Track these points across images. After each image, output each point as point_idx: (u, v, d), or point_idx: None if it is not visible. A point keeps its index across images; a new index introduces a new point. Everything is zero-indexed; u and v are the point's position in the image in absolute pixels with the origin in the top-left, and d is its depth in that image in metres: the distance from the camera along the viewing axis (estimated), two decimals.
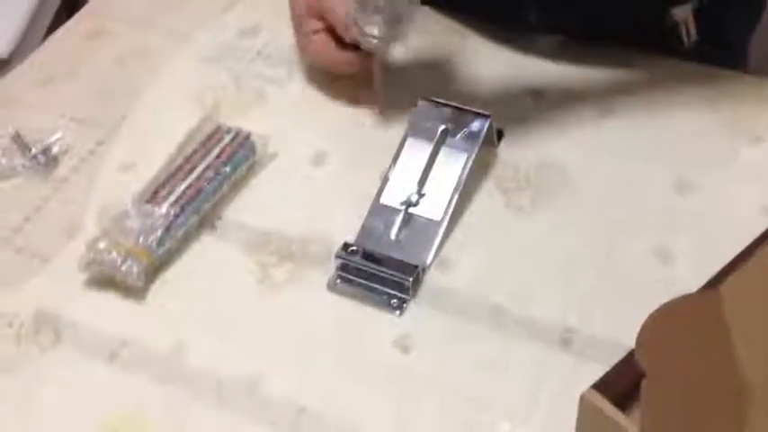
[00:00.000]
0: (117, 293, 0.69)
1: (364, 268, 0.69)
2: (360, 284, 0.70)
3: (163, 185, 0.74)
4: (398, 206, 0.73)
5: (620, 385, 0.55)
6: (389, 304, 0.68)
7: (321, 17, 0.78)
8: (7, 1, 1.54)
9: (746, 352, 0.50)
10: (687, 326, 0.52)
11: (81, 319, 0.68)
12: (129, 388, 0.64)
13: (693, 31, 0.83)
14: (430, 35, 0.90)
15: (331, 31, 0.78)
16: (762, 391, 0.49)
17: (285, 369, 0.65)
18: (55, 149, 0.81)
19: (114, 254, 0.68)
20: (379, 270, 0.69)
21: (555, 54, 0.86)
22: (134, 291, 0.69)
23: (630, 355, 0.53)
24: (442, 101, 0.77)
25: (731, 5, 0.87)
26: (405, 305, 0.68)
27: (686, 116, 0.80)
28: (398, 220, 0.72)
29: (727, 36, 0.90)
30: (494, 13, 0.89)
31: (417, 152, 0.75)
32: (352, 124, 0.82)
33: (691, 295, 0.54)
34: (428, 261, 0.71)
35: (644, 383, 0.52)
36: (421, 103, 0.77)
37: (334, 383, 0.64)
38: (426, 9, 0.93)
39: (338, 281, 0.70)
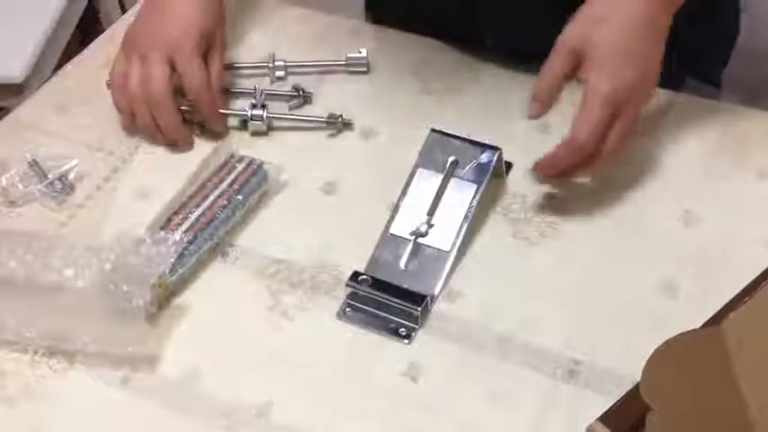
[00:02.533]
0: (130, 318, 0.70)
1: (374, 297, 0.70)
2: (369, 313, 0.71)
3: (176, 213, 0.75)
4: (408, 236, 0.74)
5: (626, 418, 0.56)
6: (398, 333, 0.69)
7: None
8: (22, 26, 1.56)
9: (749, 386, 0.50)
10: (691, 361, 0.53)
11: (93, 341, 0.69)
12: (141, 413, 0.65)
13: None
14: (440, 68, 0.91)
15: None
16: (764, 426, 0.49)
17: (295, 396, 0.66)
18: (71, 176, 0.82)
19: (126, 280, 0.69)
20: (389, 299, 0.70)
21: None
22: (147, 317, 0.70)
23: (636, 388, 0.54)
24: (452, 133, 0.78)
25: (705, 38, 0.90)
26: (413, 334, 0.69)
27: (692, 150, 0.82)
28: (408, 249, 0.73)
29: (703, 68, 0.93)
30: (453, 35, 0.92)
31: (427, 183, 0.76)
32: (363, 154, 0.84)
33: (695, 331, 0.55)
34: (437, 291, 0.72)
35: (649, 417, 0.53)
36: (431, 134, 0.78)
37: (344, 411, 0.65)
38: (437, 43, 0.95)
39: (348, 309, 0.71)
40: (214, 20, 0.85)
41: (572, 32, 0.72)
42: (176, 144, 0.84)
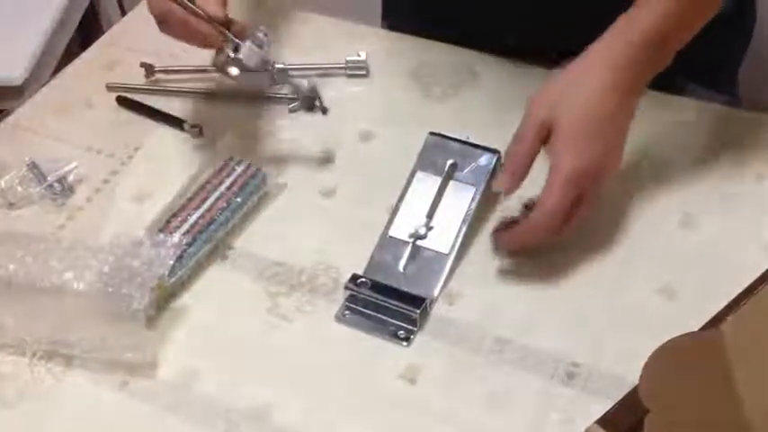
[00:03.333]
0: (128, 322, 0.70)
1: (372, 300, 0.70)
2: (368, 316, 0.71)
3: (175, 215, 0.75)
4: (407, 239, 0.74)
5: (624, 421, 0.56)
6: (397, 336, 0.69)
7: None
8: (22, 28, 1.56)
9: (748, 389, 0.50)
10: (690, 363, 0.53)
11: (92, 344, 0.69)
12: (140, 416, 0.65)
13: None
14: (439, 71, 0.92)
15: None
16: (763, 429, 0.49)
17: (293, 398, 0.66)
18: (70, 178, 0.82)
19: (125, 282, 0.69)
20: (387, 302, 0.70)
21: None
22: (144, 317, 0.70)
23: (634, 390, 0.54)
24: (451, 135, 0.78)
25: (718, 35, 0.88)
26: (412, 337, 0.69)
27: (691, 152, 0.82)
28: (407, 252, 0.73)
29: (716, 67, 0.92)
30: (473, 36, 0.92)
31: (426, 186, 0.76)
32: (362, 157, 0.84)
33: (693, 333, 0.55)
34: (435, 293, 0.72)
35: (647, 419, 0.53)
36: (429, 137, 0.79)
37: (342, 413, 0.65)
38: (436, 46, 0.95)
39: (347, 312, 0.71)
40: None
41: (541, 102, 0.71)
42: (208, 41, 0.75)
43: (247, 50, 0.74)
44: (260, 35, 0.75)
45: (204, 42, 0.75)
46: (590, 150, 0.69)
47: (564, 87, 0.71)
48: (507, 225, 0.75)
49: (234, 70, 0.74)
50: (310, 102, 0.80)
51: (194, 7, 0.72)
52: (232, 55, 0.74)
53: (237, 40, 0.74)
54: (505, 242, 0.74)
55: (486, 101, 0.88)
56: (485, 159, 0.77)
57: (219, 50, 0.75)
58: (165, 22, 0.74)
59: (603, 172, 0.70)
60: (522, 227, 0.71)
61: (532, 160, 0.71)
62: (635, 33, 0.70)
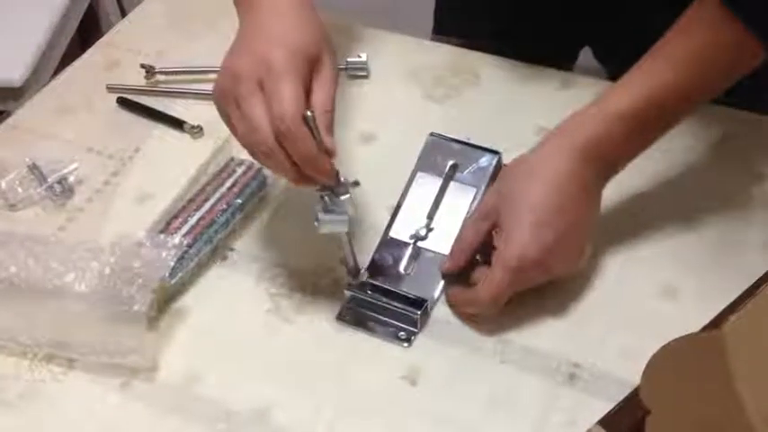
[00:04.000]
0: (130, 323, 0.70)
1: (373, 301, 0.70)
2: (369, 317, 0.71)
3: (176, 216, 0.75)
4: (408, 240, 0.74)
5: (626, 422, 0.56)
6: (398, 337, 0.69)
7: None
8: (22, 30, 1.56)
9: (749, 390, 0.50)
10: (691, 364, 0.53)
11: (93, 346, 0.69)
12: (140, 417, 0.65)
13: None
14: (440, 72, 0.92)
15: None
16: (764, 429, 0.49)
17: (294, 399, 0.66)
18: (71, 180, 0.82)
19: (126, 283, 0.69)
20: (388, 303, 0.70)
21: (559, 90, 0.88)
22: (146, 319, 0.70)
23: (636, 391, 0.54)
24: (451, 136, 0.78)
25: None
26: (413, 338, 0.69)
27: (692, 153, 0.82)
28: (407, 253, 0.73)
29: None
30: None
31: (426, 187, 0.76)
32: (362, 158, 0.84)
33: (694, 334, 0.55)
34: (436, 294, 0.72)
35: (648, 420, 0.53)
36: (430, 138, 0.79)
37: (343, 415, 0.65)
38: (437, 47, 0.95)
39: (347, 313, 0.71)
40: (314, 38, 0.66)
41: (496, 187, 0.71)
42: (324, 175, 0.64)
43: (326, 222, 0.66)
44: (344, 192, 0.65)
45: (311, 181, 0.65)
46: (537, 240, 0.66)
47: (519, 175, 0.69)
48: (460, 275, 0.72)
49: (323, 227, 0.67)
50: None
51: (323, 137, 0.62)
52: (321, 215, 0.66)
53: (339, 197, 0.65)
54: (451, 298, 0.71)
55: (486, 102, 0.88)
56: (485, 160, 0.77)
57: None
58: (275, 150, 0.62)
59: (553, 264, 0.67)
60: (465, 295, 0.69)
61: (476, 245, 0.70)
62: (593, 126, 0.67)
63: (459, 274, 0.71)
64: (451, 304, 0.71)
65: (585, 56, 1.03)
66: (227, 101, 0.65)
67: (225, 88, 0.64)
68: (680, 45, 0.66)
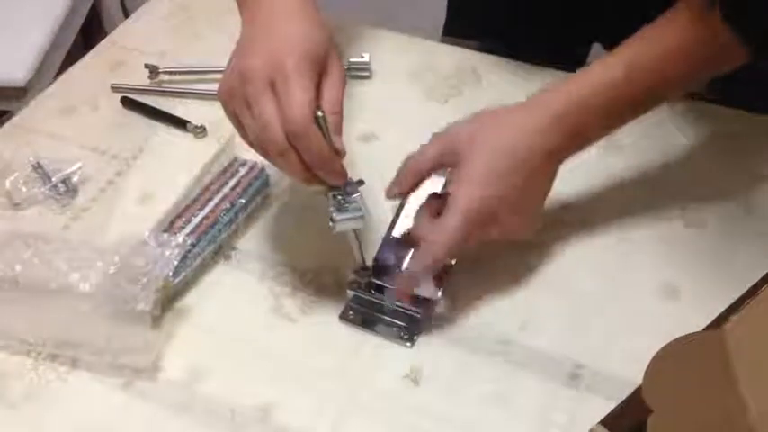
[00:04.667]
0: (134, 323, 0.70)
1: (376, 301, 0.71)
2: (372, 316, 0.71)
3: (179, 216, 0.75)
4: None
5: (627, 421, 0.56)
6: (401, 336, 0.69)
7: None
8: (26, 30, 1.57)
9: (751, 389, 0.50)
10: (692, 364, 0.53)
11: (97, 345, 0.69)
12: (144, 416, 0.66)
13: None
14: (442, 72, 0.92)
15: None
16: (766, 429, 0.49)
17: (297, 398, 0.66)
18: (75, 179, 0.82)
19: (130, 283, 0.69)
20: (391, 303, 0.70)
21: None
22: (150, 318, 0.70)
23: (637, 391, 0.54)
24: None
25: None
26: (416, 337, 0.69)
27: (694, 154, 0.82)
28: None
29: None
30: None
31: (429, 186, 0.76)
32: (364, 158, 0.84)
33: (696, 334, 0.55)
34: (439, 294, 0.72)
35: (650, 420, 0.53)
36: (432, 137, 0.78)
37: (345, 414, 0.65)
38: (439, 47, 0.95)
39: (350, 312, 0.71)
40: (323, 39, 0.66)
41: (456, 129, 0.69)
42: (335, 175, 0.65)
43: (342, 220, 0.66)
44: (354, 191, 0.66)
45: (322, 181, 0.65)
46: (491, 187, 0.65)
47: (486, 125, 0.68)
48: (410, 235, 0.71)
49: (339, 226, 0.66)
50: None
51: (334, 138, 0.63)
52: (336, 215, 0.66)
53: (350, 196, 0.65)
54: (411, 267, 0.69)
55: (488, 102, 0.88)
56: None
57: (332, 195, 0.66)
58: (287, 151, 0.62)
59: (505, 219, 0.67)
60: (418, 254, 0.67)
61: (424, 174, 0.69)
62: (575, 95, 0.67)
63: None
64: (402, 279, 0.69)
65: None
66: (235, 100, 0.64)
67: (233, 87, 0.64)
68: (655, 39, 0.67)
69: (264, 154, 0.65)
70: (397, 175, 0.70)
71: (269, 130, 0.62)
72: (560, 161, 0.69)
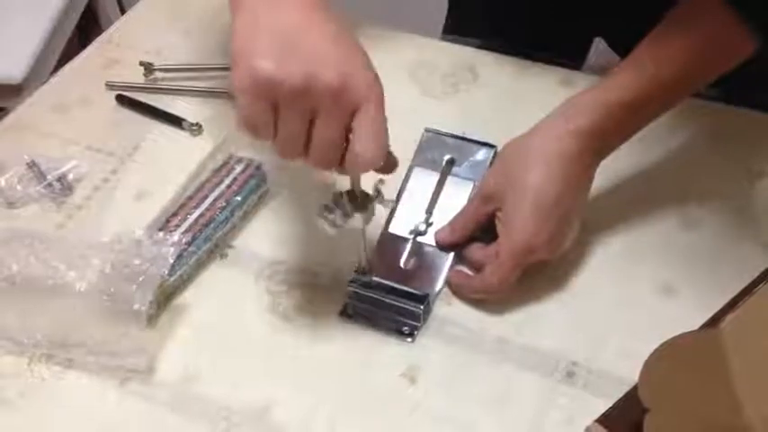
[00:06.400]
0: (130, 322, 0.70)
1: (374, 297, 0.70)
2: (370, 313, 0.71)
3: (175, 214, 0.75)
4: (407, 235, 0.74)
5: (624, 420, 0.56)
6: (401, 332, 0.69)
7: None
8: (21, 27, 1.56)
9: (747, 388, 0.50)
10: (689, 362, 0.53)
11: (93, 345, 0.69)
12: (139, 414, 0.65)
13: None
14: (438, 69, 0.92)
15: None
16: (762, 428, 0.49)
17: (295, 397, 0.66)
18: (70, 177, 0.82)
19: (126, 281, 0.69)
20: (390, 298, 0.70)
21: (559, 87, 0.88)
22: (146, 318, 0.70)
23: (634, 390, 0.54)
24: (447, 132, 0.78)
25: None
26: (416, 332, 0.69)
27: (690, 152, 0.82)
28: (407, 248, 0.73)
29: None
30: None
31: (424, 182, 0.76)
32: None
33: (693, 332, 0.55)
34: (437, 289, 0.72)
35: (647, 418, 0.53)
36: (425, 133, 0.79)
37: (343, 412, 0.65)
38: (434, 44, 0.95)
39: (348, 310, 0.71)
40: (363, 59, 0.60)
41: (494, 169, 0.72)
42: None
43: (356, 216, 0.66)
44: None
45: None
46: (541, 227, 0.68)
47: (519, 158, 0.70)
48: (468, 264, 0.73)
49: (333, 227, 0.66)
50: None
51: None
52: (339, 221, 0.65)
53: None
54: (454, 282, 0.72)
55: (485, 99, 0.88)
56: (482, 154, 0.77)
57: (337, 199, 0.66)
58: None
59: (555, 247, 0.70)
60: (472, 282, 0.71)
61: (475, 224, 0.72)
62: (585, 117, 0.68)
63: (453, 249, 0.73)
64: (455, 290, 0.72)
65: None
66: (259, 100, 0.57)
67: (260, 84, 0.57)
68: (677, 36, 0.67)
69: (292, 156, 0.61)
70: (448, 224, 0.74)
71: (331, 151, 0.60)
72: (596, 167, 0.71)
